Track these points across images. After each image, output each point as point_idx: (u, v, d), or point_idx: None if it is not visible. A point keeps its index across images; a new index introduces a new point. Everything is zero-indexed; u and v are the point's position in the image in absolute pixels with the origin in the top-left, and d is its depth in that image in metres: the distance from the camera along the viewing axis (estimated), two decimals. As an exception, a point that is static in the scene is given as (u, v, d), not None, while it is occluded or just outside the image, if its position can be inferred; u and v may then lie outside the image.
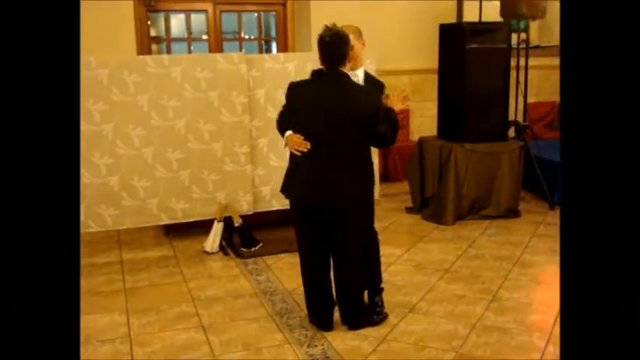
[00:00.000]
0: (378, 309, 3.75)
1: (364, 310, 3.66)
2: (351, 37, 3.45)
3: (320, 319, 3.63)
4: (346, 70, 3.37)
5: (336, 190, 3.36)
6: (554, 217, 5.86)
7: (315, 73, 3.45)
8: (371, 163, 3.56)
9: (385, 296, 3.87)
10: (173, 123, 4.94)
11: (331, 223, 3.43)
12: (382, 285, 3.87)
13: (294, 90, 3.45)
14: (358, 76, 3.58)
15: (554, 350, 3.34)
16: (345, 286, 3.57)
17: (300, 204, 3.48)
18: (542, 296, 4.06)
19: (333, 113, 3.29)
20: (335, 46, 3.28)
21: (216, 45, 7.23)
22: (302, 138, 3.32)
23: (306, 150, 3.30)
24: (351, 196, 3.39)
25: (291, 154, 3.42)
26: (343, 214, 3.40)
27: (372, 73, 3.91)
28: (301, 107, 3.41)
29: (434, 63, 6.18)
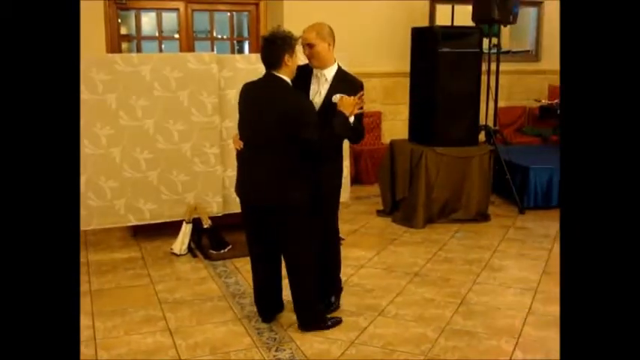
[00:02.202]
0: (331, 308, 3.78)
1: (313, 312, 3.62)
2: (312, 35, 3.47)
3: (263, 314, 3.76)
4: (283, 73, 3.35)
5: (258, 191, 3.45)
6: (523, 222, 5.91)
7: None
8: (299, 169, 3.39)
9: (354, 299, 3.86)
10: (142, 122, 4.87)
11: (270, 223, 3.51)
12: (341, 286, 3.91)
13: (242, 91, 3.55)
14: (326, 76, 3.54)
15: (522, 355, 3.36)
16: (290, 285, 3.62)
17: (241, 202, 3.62)
18: (510, 300, 4.08)
19: (260, 116, 3.36)
20: (267, 50, 3.35)
21: (188, 44, 7.16)
22: (238, 137, 3.51)
23: (239, 148, 3.49)
24: (270, 198, 3.41)
25: (237, 154, 3.58)
26: (273, 215, 3.46)
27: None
28: (241, 109, 3.53)
29: (406, 66, 6.19)
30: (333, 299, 3.84)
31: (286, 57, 3.32)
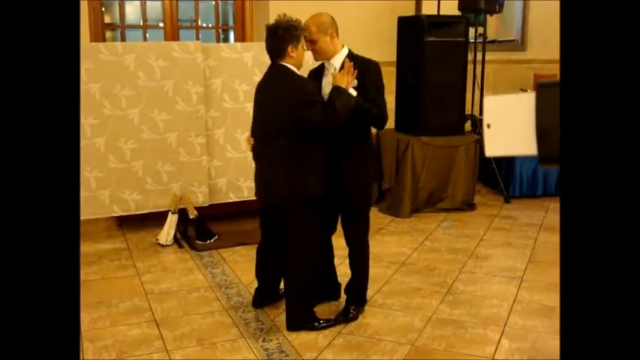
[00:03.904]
0: (348, 317, 3.61)
1: (302, 314, 3.50)
2: (313, 30, 3.35)
3: (254, 299, 3.78)
4: (287, 63, 3.28)
5: (266, 185, 3.42)
6: (509, 211, 5.93)
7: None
8: (311, 158, 3.30)
9: (341, 289, 3.84)
10: (126, 112, 4.83)
11: (278, 216, 3.48)
12: (366, 299, 3.77)
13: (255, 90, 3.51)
14: (334, 65, 3.39)
15: (508, 343, 3.38)
16: (284, 282, 3.58)
17: (256, 197, 3.60)
18: (496, 289, 4.10)
19: (262, 106, 3.36)
20: (269, 40, 3.31)
21: (173, 33, 7.08)
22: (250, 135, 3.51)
23: (250, 145, 3.47)
24: (277, 193, 3.36)
25: (252, 152, 3.55)
26: (279, 211, 3.43)
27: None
28: (253, 105, 3.49)
29: (392, 55, 6.17)
30: (352, 309, 3.63)
31: (290, 48, 3.25)
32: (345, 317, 3.60)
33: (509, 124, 1.44)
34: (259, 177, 3.47)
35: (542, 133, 1.37)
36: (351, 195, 3.48)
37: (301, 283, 3.49)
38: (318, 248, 3.53)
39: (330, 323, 3.54)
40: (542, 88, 1.36)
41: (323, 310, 3.65)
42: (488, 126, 1.46)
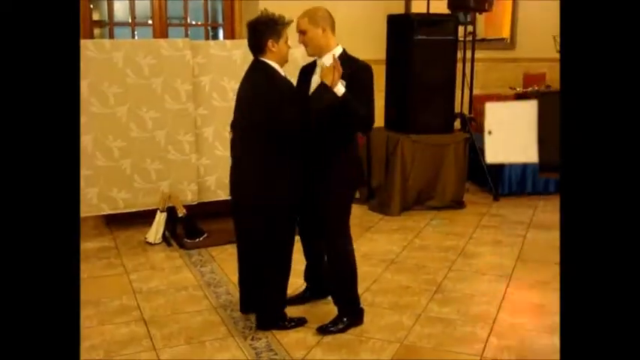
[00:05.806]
0: (338, 327, 3.46)
1: (271, 316, 3.47)
2: (304, 21, 3.29)
3: (240, 304, 3.65)
4: (269, 58, 3.22)
5: (234, 185, 3.42)
6: (498, 209, 5.95)
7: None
8: (283, 162, 3.24)
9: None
10: (114, 110, 4.80)
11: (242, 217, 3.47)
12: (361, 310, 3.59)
13: None
14: (325, 64, 3.25)
15: (496, 341, 3.38)
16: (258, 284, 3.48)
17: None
18: (485, 287, 4.11)
19: (240, 103, 3.35)
20: (250, 36, 3.27)
21: (161, 30, 7.04)
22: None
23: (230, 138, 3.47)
24: (242, 193, 3.38)
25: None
26: (242, 208, 3.41)
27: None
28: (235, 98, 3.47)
29: (381, 54, 6.17)
30: (344, 320, 3.48)
31: (270, 43, 3.20)
32: (334, 326, 3.46)
33: (510, 132, 1.45)
34: (231, 173, 3.44)
35: (544, 141, 1.37)
36: (323, 204, 3.37)
37: (272, 285, 3.42)
38: (287, 254, 3.43)
39: (301, 321, 3.51)
40: (544, 97, 1.37)
41: (317, 311, 3.66)
42: (490, 132, 1.46)
